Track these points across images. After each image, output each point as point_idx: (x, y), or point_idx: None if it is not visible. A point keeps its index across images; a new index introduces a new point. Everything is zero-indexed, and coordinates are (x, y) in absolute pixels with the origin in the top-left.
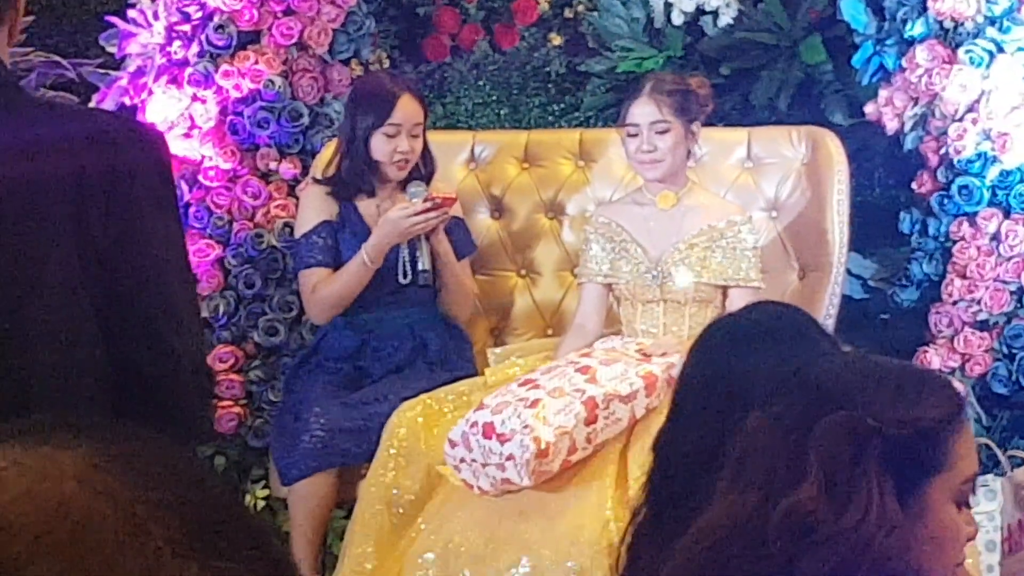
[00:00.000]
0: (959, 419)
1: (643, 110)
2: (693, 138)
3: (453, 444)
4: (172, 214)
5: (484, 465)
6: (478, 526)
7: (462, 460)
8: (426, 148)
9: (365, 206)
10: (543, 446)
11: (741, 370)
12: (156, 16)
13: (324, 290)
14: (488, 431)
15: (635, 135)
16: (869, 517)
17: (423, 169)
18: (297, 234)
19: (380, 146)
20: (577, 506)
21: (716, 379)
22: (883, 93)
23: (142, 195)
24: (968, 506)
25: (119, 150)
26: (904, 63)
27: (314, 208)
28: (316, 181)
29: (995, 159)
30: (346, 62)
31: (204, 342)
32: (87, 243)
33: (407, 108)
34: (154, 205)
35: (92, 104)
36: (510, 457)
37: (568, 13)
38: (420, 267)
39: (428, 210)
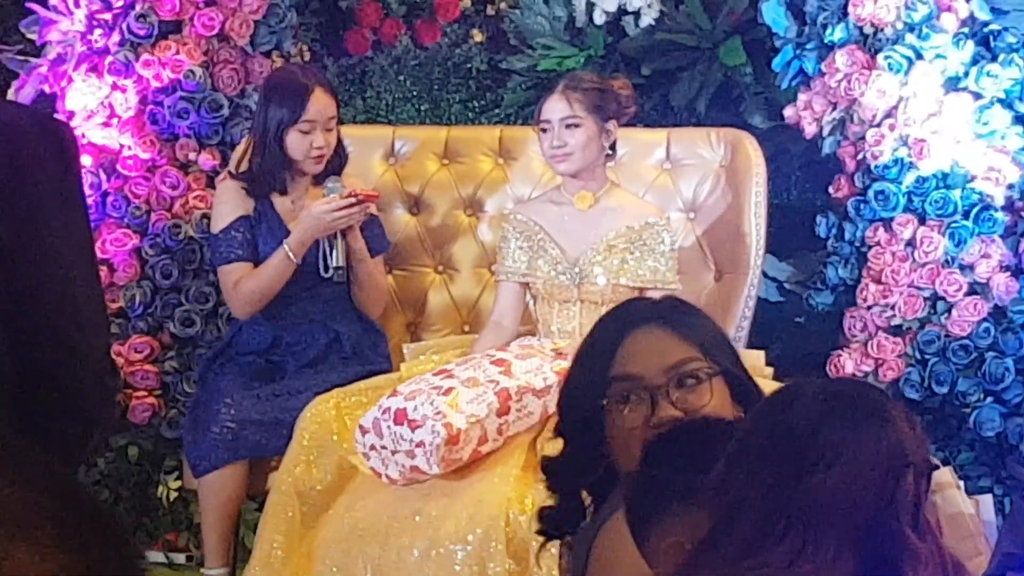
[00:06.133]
0: None
1: (554, 107)
2: (608, 137)
3: (364, 431)
4: (76, 207)
5: (394, 452)
6: (383, 513)
7: (372, 447)
8: (338, 140)
9: (280, 201)
10: (454, 432)
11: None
12: (77, 4)
13: (247, 285)
14: (400, 417)
15: (547, 131)
16: None
17: (336, 160)
18: (214, 229)
19: (296, 143)
20: (479, 486)
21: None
22: (802, 97)
23: (44, 188)
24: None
25: (22, 142)
26: (824, 68)
27: (230, 203)
28: (232, 175)
29: (912, 165)
30: (267, 54)
31: (109, 337)
32: None
33: (320, 103)
34: (56, 198)
35: (11, 91)
36: (420, 444)
37: (490, 10)
38: (334, 263)
39: (351, 205)
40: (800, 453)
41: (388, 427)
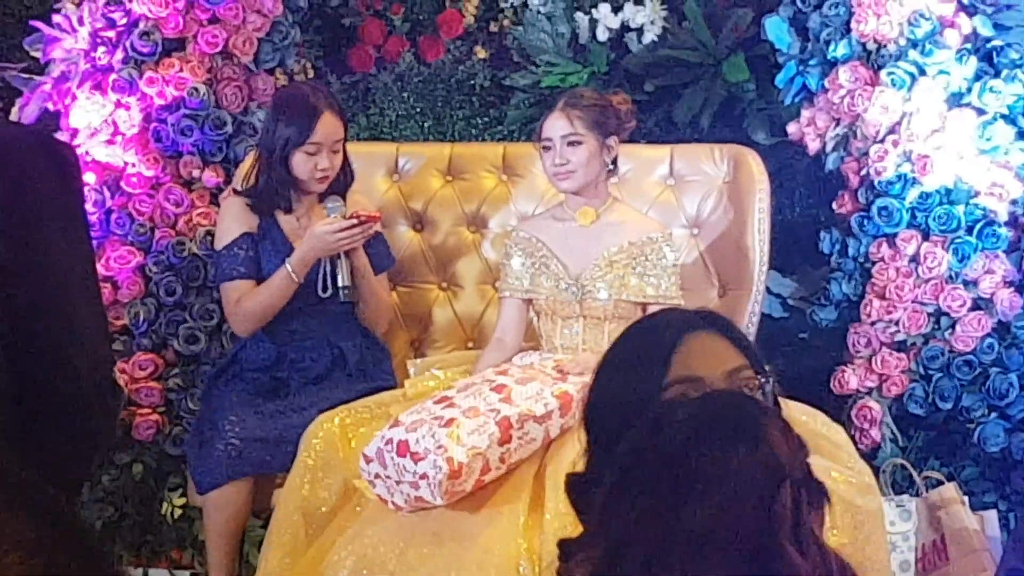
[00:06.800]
0: None
1: (555, 124)
2: (609, 153)
3: (368, 460)
4: (79, 228)
5: (398, 482)
6: (391, 543)
7: (377, 476)
8: (345, 159)
9: (285, 219)
10: (456, 466)
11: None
12: (81, 22)
13: (248, 303)
14: (402, 449)
15: (549, 148)
16: None
17: (342, 179)
18: (218, 246)
19: (301, 164)
20: (488, 531)
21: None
22: (805, 113)
23: (46, 209)
24: None
25: (23, 162)
26: (827, 84)
27: (235, 219)
28: (236, 192)
29: (915, 181)
30: (271, 71)
31: (111, 356)
32: None
33: (328, 126)
34: (59, 219)
35: (15, 109)
36: (423, 476)
37: (493, 27)
38: (340, 283)
39: (353, 226)
40: (674, 481)
41: (391, 458)
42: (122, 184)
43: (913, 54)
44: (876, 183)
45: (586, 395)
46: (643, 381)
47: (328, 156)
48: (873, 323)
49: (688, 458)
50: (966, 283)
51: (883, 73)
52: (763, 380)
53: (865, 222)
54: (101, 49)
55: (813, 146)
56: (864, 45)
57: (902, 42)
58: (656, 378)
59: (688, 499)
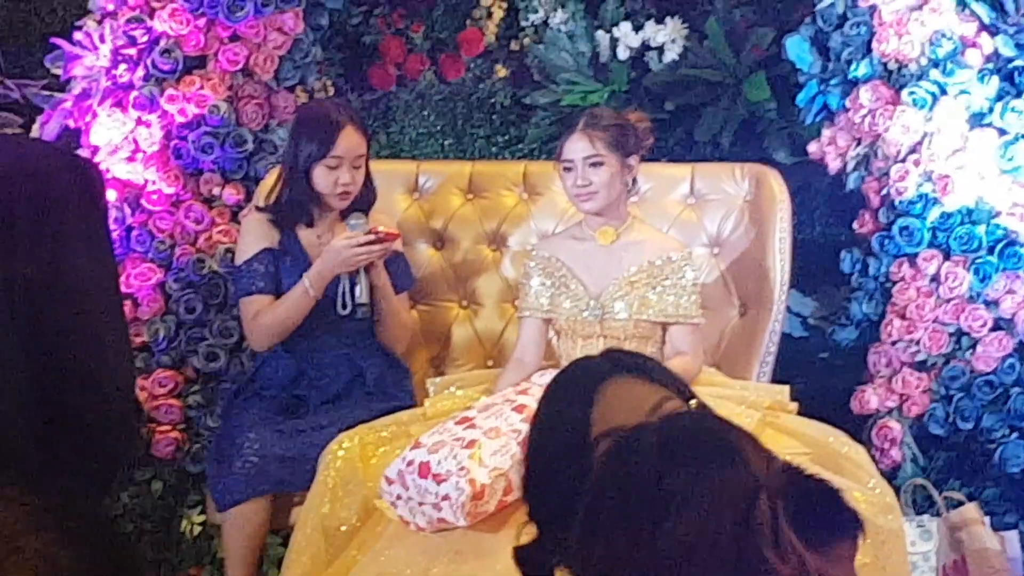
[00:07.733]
0: None
1: (576, 145)
2: (630, 172)
3: (390, 481)
4: (103, 246)
5: (420, 504)
6: (413, 562)
7: (399, 497)
8: (368, 177)
9: (306, 235)
10: (478, 488)
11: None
12: (102, 39)
13: (266, 318)
14: (424, 471)
15: (570, 170)
16: None
17: (364, 196)
18: (238, 261)
19: (322, 178)
20: (510, 548)
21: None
22: (826, 132)
23: (71, 227)
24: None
25: (48, 180)
26: (848, 103)
27: (255, 235)
28: (258, 209)
29: (936, 201)
30: (291, 89)
31: (133, 374)
32: (13, 273)
33: (350, 140)
34: (83, 237)
35: (36, 126)
36: (446, 498)
37: (514, 45)
38: (358, 300)
39: (372, 242)
40: (646, 504)
41: (413, 480)
42: (142, 201)
43: (935, 74)
44: (897, 203)
45: (523, 471)
46: (570, 449)
47: (350, 171)
48: (894, 343)
49: (659, 481)
50: (987, 303)
51: (904, 93)
52: (691, 404)
53: (886, 242)
54: (122, 66)
55: (834, 165)
56: (885, 64)
57: (923, 62)
58: (581, 442)
59: (662, 521)
